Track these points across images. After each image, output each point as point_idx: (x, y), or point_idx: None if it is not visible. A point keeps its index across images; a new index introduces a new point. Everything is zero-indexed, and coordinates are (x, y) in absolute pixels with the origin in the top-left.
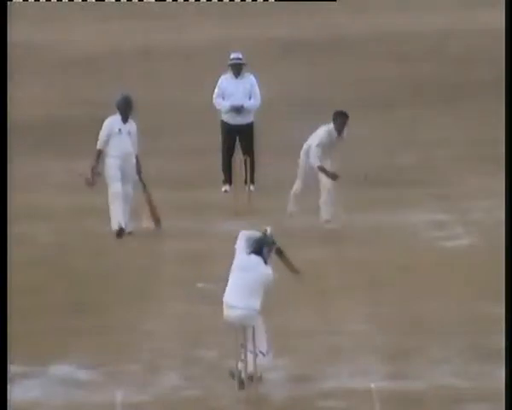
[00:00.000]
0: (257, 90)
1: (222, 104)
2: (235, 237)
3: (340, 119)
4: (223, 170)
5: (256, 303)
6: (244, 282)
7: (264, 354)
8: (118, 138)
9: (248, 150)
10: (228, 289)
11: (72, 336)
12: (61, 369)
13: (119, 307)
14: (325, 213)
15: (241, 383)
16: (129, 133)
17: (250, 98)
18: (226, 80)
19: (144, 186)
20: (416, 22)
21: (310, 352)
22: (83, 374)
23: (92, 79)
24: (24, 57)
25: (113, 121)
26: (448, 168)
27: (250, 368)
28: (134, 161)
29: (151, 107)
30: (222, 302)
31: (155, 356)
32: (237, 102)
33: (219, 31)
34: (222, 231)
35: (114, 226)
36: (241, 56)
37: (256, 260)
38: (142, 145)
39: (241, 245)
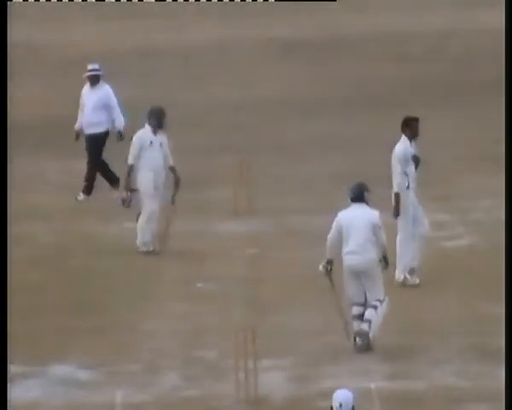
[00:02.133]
0: (114, 100)
1: (80, 120)
2: (235, 238)
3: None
4: (105, 179)
5: (374, 249)
6: (360, 230)
7: (381, 302)
8: (150, 151)
9: (97, 160)
10: (348, 241)
11: (72, 336)
12: (60, 369)
13: (119, 307)
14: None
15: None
16: (160, 145)
17: (104, 107)
18: (85, 91)
19: (173, 201)
20: (416, 22)
21: (310, 352)
22: (83, 374)
23: None
24: (24, 57)
25: (143, 134)
26: (448, 168)
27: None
28: (164, 173)
29: (150, 107)
30: (221, 302)
31: (155, 356)
32: (88, 112)
33: (219, 31)
34: (222, 231)
35: (142, 248)
36: (97, 67)
37: (360, 206)
38: None
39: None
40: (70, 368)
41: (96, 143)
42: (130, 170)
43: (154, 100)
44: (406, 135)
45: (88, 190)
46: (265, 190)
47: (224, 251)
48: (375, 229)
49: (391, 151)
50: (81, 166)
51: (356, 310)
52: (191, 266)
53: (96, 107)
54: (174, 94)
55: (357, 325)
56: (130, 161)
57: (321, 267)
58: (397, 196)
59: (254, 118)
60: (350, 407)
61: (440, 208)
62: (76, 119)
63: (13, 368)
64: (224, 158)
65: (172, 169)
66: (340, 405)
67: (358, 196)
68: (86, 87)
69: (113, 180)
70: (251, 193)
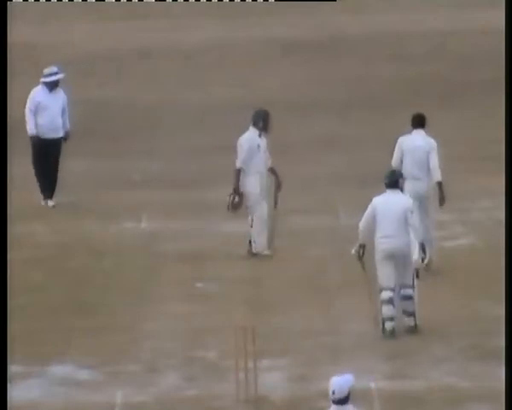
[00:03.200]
0: (66, 106)
1: (32, 122)
2: (235, 238)
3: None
4: (41, 187)
5: (408, 234)
6: (394, 215)
7: (413, 289)
8: (257, 155)
9: (55, 164)
10: (382, 225)
11: (72, 336)
12: (60, 369)
13: (119, 307)
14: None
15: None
16: (264, 149)
17: (63, 111)
18: (39, 94)
19: (276, 203)
20: (416, 22)
21: (310, 352)
22: (83, 374)
23: (91, 79)
24: (24, 57)
25: (252, 137)
26: (448, 168)
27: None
28: (267, 176)
29: (151, 107)
30: (221, 302)
31: (155, 356)
32: (53, 116)
33: (219, 31)
34: (222, 231)
35: (258, 249)
36: (56, 70)
37: (395, 192)
38: (142, 145)
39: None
40: (70, 368)
41: (57, 147)
42: (239, 174)
43: (154, 100)
44: (423, 129)
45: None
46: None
47: (223, 251)
48: (409, 214)
49: (391, 151)
50: (80, 165)
51: (385, 295)
52: (191, 266)
53: (60, 111)
54: (174, 94)
55: (386, 310)
56: (239, 164)
57: (353, 252)
58: (440, 184)
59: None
60: (345, 393)
61: (440, 208)
62: (74, 119)
63: (13, 368)
64: (224, 158)
65: (273, 171)
66: (333, 392)
67: (393, 182)
68: (43, 90)
69: (52, 189)
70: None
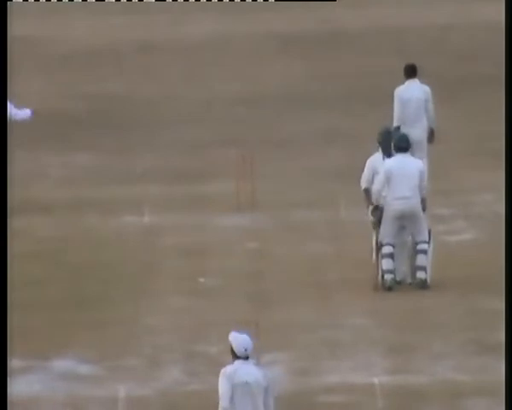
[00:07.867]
0: None
1: None
2: (237, 232)
3: None
4: None
5: (419, 194)
6: (410, 178)
7: (428, 244)
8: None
9: None
10: (398, 187)
11: (73, 330)
12: (62, 363)
13: (120, 302)
14: None
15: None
16: None
17: None
18: None
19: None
20: (415, 16)
21: (311, 346)
22: (84, 368)
23: (92, 74)
24: (24, 52)
25: (375, 160)
26: (449, 163)
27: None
28: None
29: (151, 101)
30: (223, 297)
31: (157, 351)
32: None
33: (219, 26)
34: (223, 226)
35: (401, 277)
36: None
37: (406, 156)
38: (143, 139)
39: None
40: (71, 362)
41: None
42: (367, 192)
43: (154, 95)
44: (416, 78)
45: None
46: (267, 185)
47: (225, 245)
48: (422, 175)
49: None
50: (81, 159)
51: (387, 249)
52: (193, 260)
53: None
54: (174, 88)
55: (386, 264)
56: (364, 185)
57: (371, 215)
58: (433, 130)
59: (255, 112)
60: (251, 349)
61: (441, 203)
62: (74, 113)
63: (14, 363)
64: (225, 152)
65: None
66: (246, 349)
67: (404, 146)
68: None
69: None
70: (253, 187)
